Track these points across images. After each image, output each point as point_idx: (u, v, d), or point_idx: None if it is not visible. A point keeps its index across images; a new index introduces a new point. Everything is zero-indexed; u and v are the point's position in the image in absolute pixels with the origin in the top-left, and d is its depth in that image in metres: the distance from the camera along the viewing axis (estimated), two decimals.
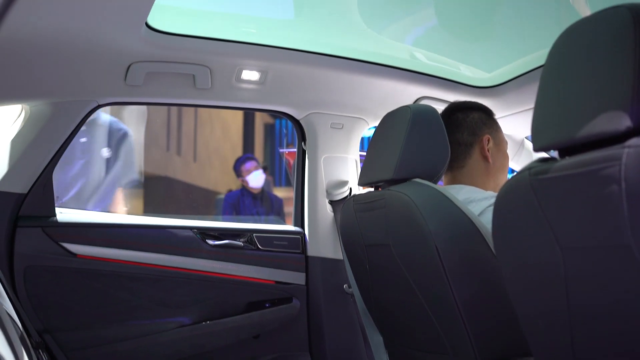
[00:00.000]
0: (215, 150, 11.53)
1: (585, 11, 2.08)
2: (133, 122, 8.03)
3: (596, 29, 1.01)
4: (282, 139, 11.37)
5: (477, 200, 1.72)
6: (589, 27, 1.03)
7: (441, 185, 1.80)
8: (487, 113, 1.95)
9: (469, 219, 1.53)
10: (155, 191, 9.69)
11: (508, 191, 1.17)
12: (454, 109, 1.96)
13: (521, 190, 1.12)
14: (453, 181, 1.90)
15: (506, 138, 2.03)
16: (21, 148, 2.21)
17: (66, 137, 2.25)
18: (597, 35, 1.00)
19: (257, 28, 2.28)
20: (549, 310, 1.13)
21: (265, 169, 8.47)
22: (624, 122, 0.91)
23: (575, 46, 1.05)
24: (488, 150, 1.88)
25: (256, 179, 5.55)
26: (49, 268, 2.24)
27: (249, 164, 5.62)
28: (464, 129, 1.90)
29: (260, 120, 11.95)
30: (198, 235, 2.42)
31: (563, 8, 2.31)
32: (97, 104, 2.26)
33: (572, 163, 1.00)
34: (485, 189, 1.84)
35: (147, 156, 9.21)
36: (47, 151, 2.23)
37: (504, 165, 1.94)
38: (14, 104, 2.25)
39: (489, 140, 1.89)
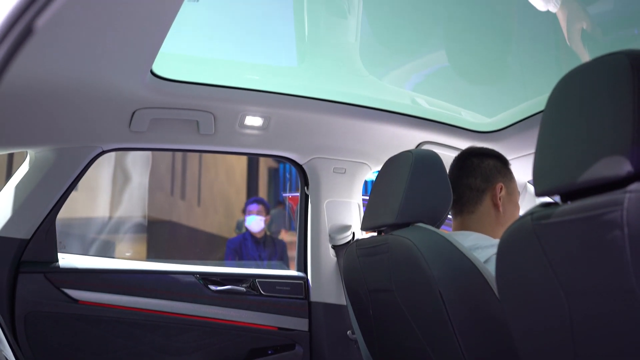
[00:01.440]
0: (219, 194, 11.56)
1: (585, 57, 2.11)
2: (138, 166, 8.10)
3: (595, 75, 1.02)
4: (285, 183, 11.41)
5: (483, 248, 1.70)
6: (588, 73, 1.04)
7: (448, 231, 1.79)
8: (503, 162, 1.93)
9: (472, 263, 1.52)
10: (159, 236, 9.68)
11: (511, 236, 1.17)
12: (470, 153, 1.94)
13: (524, 235, 1.12)
14: (462, 226, 1.87)
15: None
16: (25, 193, 2.22)
17: (70, 183, 2.26)
18: (595, 81, 1.01)
19: (260, 75, 2.31)
20: (555, 354, 1.11)
21: (279, 204, 8.43)
22: (625, 167, 0.91)
23: (574, 92, 1.06)
24: (500, 199, 1.85)
25: (252, 222, 5.51)
26: (50, 314, 2.22)
27: (252, 207, 5.60)
28: (477, 174, 1.87)
29: (264, 165, 12.01)
30: (200, 281, 2.40)
31: (562, 54, 2.35)
32: (101, 150, 2.28)
33: (574, 208, 1.00)
34: (494, 236, 1.80)
35: (151, 200, 9.23)
36: (51, 197, 2.24)
37: (515, 216, 1.89)
38: (18, 149, 2.27)
39: (501, 189, 1.86)
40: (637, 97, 0.93)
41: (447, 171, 1.79)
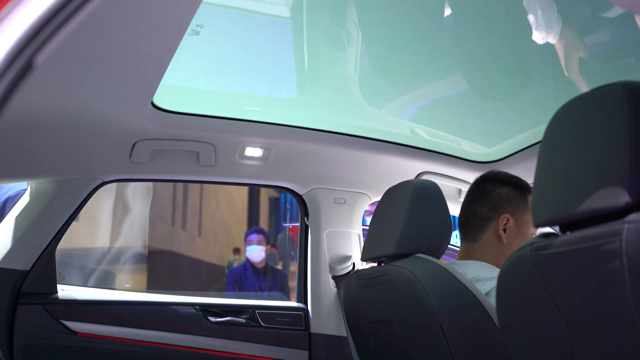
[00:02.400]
0: (220, 224, 11.56)
1: (582, 86, 2.12)
2: (138, 197, 8.11)
3: (591, 106, 1.03)
4: (287, 213, 11.41)
5: (484, 280, 1.66)
6: (584, 105, 1.05)
7: (448, 260, 1.78)
8: (520, 191, 1.84)
9: (473, 294, 1.51)
10: (160, 266, 9.65)
11: (510, 267, 1.17)
12: (486, 179, 1.89)
13: (523, 266, 1.12)
14: (466, 253, 1.84)
15: None
16: (25, 225, 2.22)
17: (70, 214, 2.26)
18: (592, 112, 1.02)
19: (260, 106, 2.33)
20: None
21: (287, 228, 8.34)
22: (623, 197, 0.91)
23: (571, 123, 1.07)
24: (504, 230, 1.79)
25: (253, 252, 5.49)
26: (49, 346, 2.20)
27: (253, 237, 5.58)
28: (486, 201, 1.82)
29: (265, 194, 12.04)
30: (199, 312, 2.39)
31: (561, 85, 2.37)
32: (101, 181, 2.29)
33: (573, 238, 1.00)
34: (499, 267, 1.77)
35: (152, 231, 9.24)
36: (51, 228, 2.24)
37: None
38: (19, 181, 2.28)
39: (507, 220, 1.80)
40: (634, 128, 0.93)
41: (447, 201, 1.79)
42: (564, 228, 1.06)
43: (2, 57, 0.53)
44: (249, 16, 2.21)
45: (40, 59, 0.55)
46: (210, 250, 11.06)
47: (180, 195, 10.73)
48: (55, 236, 2.25)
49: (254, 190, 11.52)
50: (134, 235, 8.35)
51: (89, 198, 2.30)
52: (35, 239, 2.23)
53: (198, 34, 1.88)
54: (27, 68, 0.54)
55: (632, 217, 0.90)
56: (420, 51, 2.39)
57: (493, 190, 1.84)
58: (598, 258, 0.94)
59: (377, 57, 2.40)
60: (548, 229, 1.36)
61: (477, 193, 1.86)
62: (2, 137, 1.83)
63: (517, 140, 2.40)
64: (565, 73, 2.09)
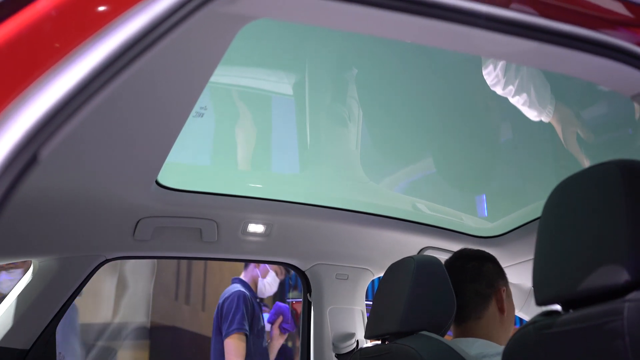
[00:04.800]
0: None
1: (581, 158, 2.14)
2: (142, 271, 8.04)
3: (587, 184, 1.05)
4: (290, 288, 11.29)
5: (490, 356, 1.67)
6: (581, 183, 1.07)
7: (451, 338, 1.76)
8: (498, 264, 1.94)
9: None
10: (162, 342, 9.48)
11: (514, 346, 1.16)
12: (469, 257, 1.94)
13: (527, 345, 1.11)
14: (466, 332, 1.84)
15: (513, 287, 2.02)
16: (26, 303, 2.21)
17: (72, 292, 2.25)
18: (588, 191, 1.04)
19: (263, 183, 2.35)
20: None
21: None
22: (622, 276, 0.92)
23: (568, 201, 1.08)
24: (504, 303, 1.86)
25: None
26: None
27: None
28: (482, 279, 1.86)
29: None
30: None
31: (561, 160, 2.39)
32: (104, 259, 2.28)
33: (575, 317, 1.00)
34: (500, 341, 1.80)
35: (154, 306, 9.11)
36: (52, 307, 2.22)
37: (513, 317, 1.91)
38: (23, 259, 2.27)
39: (504, 292, 1.87)
40: (630, 207, 0.95)
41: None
42: (566, 305, 1.06)
43: (7, 151, 0.55)
44: (253, 95, 2.26)
45: (45, 152, 0.57)
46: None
47: (184, 269, 10.66)
48: (56, 315, 2.23)
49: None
50: (137, 309, 8.24)
51: (92, 276, 2.29)
52: (37, 318, 2.21)
53: (202, 116, 1.92)
54: (32, 161, 0.56)
55: (633, 295, 0.90)
56: (421, 130, 2.43)
57: (482, 266, 1.89)
58: (600, 337, 0.94)
59: (378, 135, 2.44)
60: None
61: (469, 272, 1.89)
62: (5, 216, 1.84)
63: (520, 214, 2.40)
64: (564, 146, 2.12)
